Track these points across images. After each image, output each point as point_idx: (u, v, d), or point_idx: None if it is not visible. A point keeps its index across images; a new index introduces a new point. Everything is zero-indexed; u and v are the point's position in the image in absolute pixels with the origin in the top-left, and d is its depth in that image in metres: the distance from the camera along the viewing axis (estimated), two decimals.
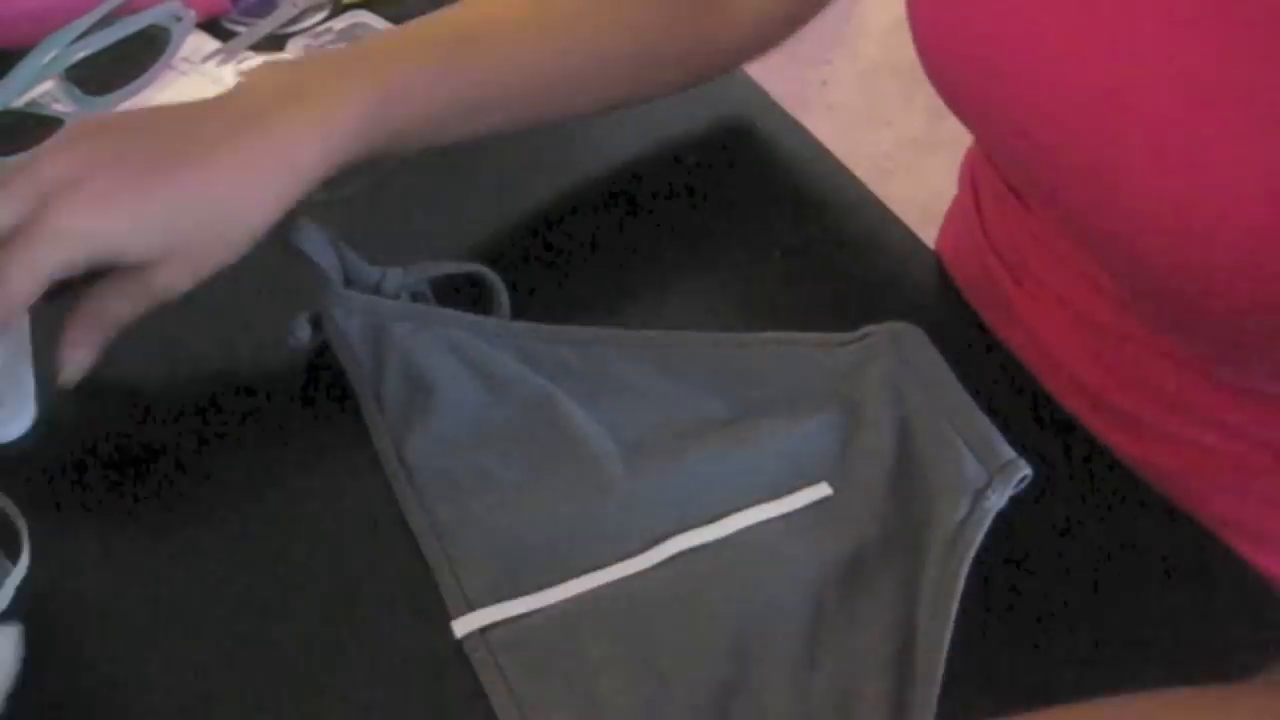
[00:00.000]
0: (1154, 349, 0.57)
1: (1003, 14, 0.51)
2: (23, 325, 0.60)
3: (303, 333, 0.58)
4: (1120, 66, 0.46)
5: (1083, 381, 0.60)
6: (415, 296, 0.60)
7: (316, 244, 0.58)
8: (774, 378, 0.58)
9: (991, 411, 0.54)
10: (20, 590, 0.50)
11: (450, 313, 0.59)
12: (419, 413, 0.55)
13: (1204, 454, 0.58)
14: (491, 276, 0.60)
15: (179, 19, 0.75)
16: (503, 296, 0.60)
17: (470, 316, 0.59)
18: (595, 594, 0.50)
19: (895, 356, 0.57)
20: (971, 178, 0.69)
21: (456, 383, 0.57)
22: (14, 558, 0.50)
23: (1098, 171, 0.48)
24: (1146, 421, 0.59)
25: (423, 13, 0.83)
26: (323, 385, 0.58)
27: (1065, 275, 0.60)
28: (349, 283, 0.59)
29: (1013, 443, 0.53)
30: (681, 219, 0.69)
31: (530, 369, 0.58)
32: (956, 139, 0.67)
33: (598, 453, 0.54)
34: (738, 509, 0.52)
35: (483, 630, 0.49)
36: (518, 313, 0.60)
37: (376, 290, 0.59)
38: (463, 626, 0.49)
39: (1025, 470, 0.52)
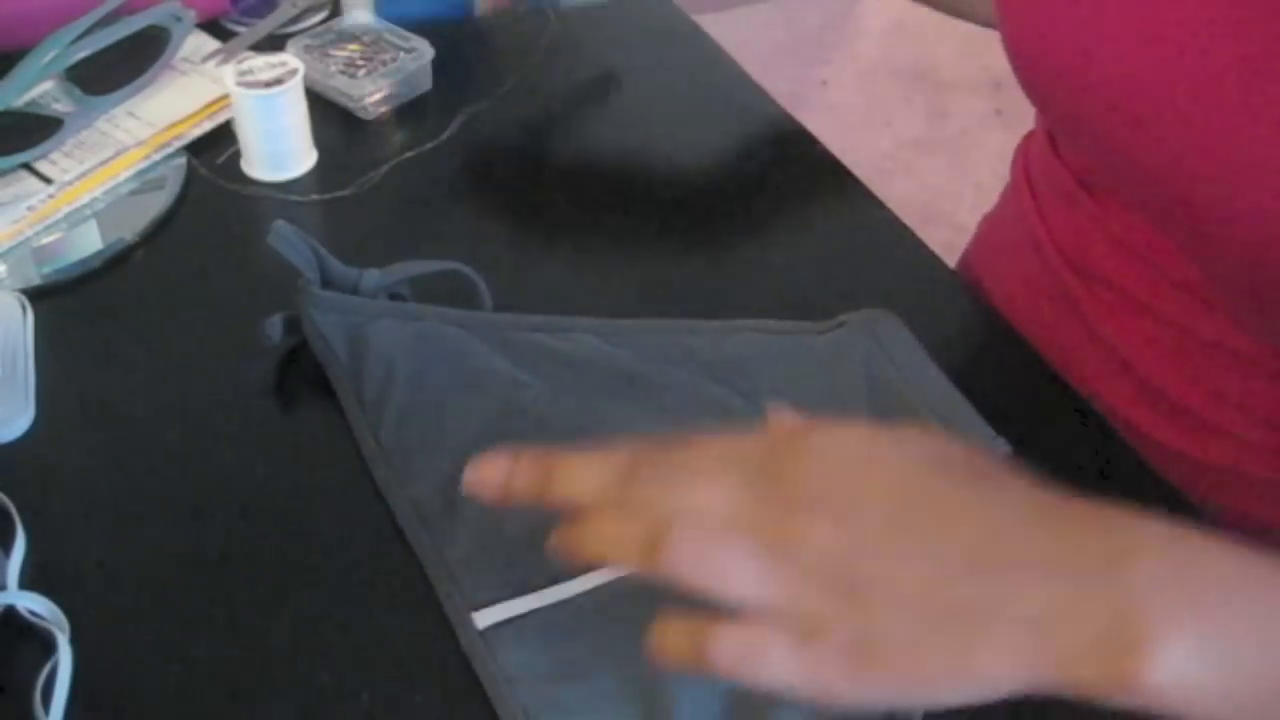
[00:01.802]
0: (1232, 352, 0.57)
1: (1110, 15, 0.50)
2: (23, 325, 0.60)
3: (274, 331, 0.58)
4: (1244, 64, 0.45)
5: (1148, 378, 0.60)
6: (394, 297, 0.61)
7: (293, 245, 0.58)
8: (753, 365, 0.58)
9: (1002, 400, 0.54)
10: (24, 564, 0.50)
11: (426, 308, 0.59)
12: (400, 409, 0.56)
13: (1267, 454, 0.57)
14: (471, 274, 0.60)
15: (179, 19, 0.75)
16: (484, 294, 0.60)
17: (448, 310, 0.59)
18: (600, 590, 0.50)
19: (871, 341, 0.57)
20: (1027, 177, 0.69)
21: (437, 378, 0.57)
22: (10, 541, 0.51)
23: (1221, 175, 0.47)
24: (1205, 417, 0.58)
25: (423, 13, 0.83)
26: (309, 384, 0.58)
27: (1142, 274, 0.59)
28: (326, 283, 0.59)
29: (1027, 434, 0.53)
30: (676, 219, 0.69)
31: (514, 362, 0.58)
32: (956, 139, 0.67)
33: (592, 445, 0.54)
34: None
35: (482, 630, 0.49)
36: (503, 310, 0.60)
37: (354, 291, 0.59)
38: (484, 619, 0.49)
39: (1005, 447, 0.52)
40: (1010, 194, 0.73)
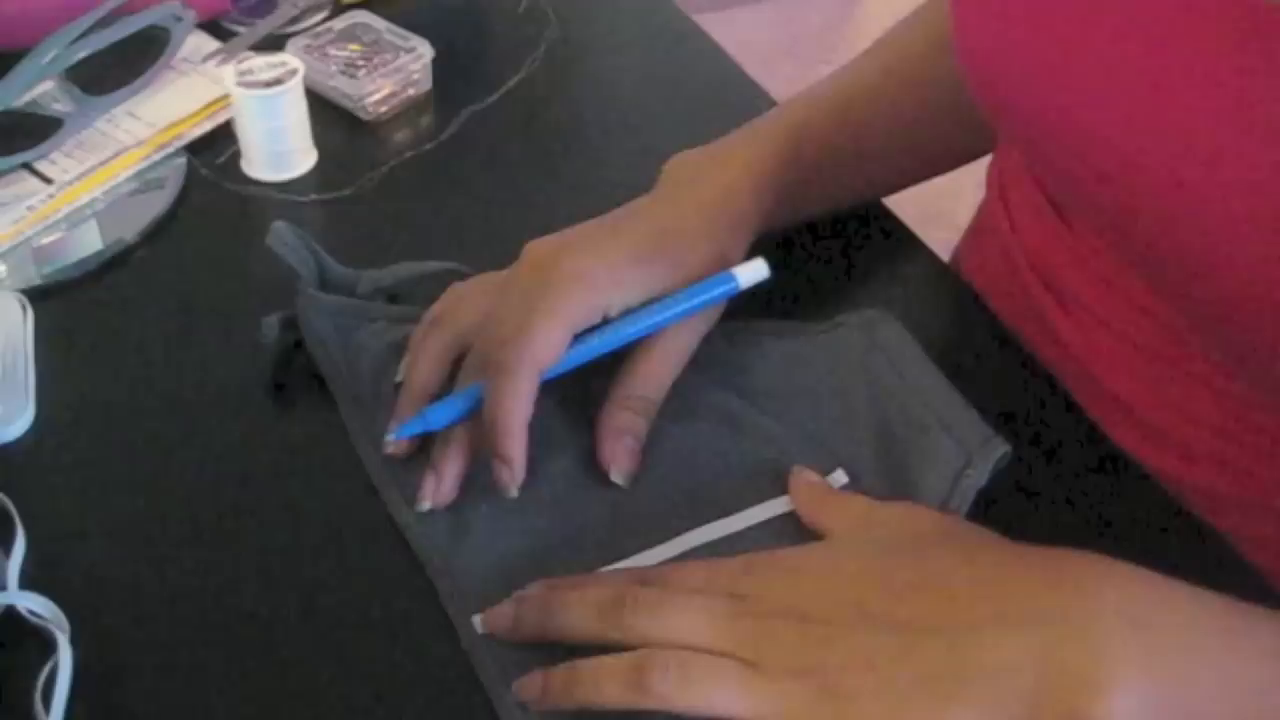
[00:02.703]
0: (1201, 377, 0.56)
1: (1067, 40, 0.49)
2: (23, 325, 0.60)
3: (270, 331, 0.58)
4: (1224, 120, 0.44)
5: (1122, 399, 0.59)
6: (392, 298, 0.61)
7: (291, 246, 0.58)
8: (753, 366, 0.58)
9: (1002, 401, 0.54)
10: (24, 564, 0.50)
11: (418, 310, 0.59)
12: (392, 410, 0.55)
13: (1242, 475, 0.57)
14: (469, 274, 0.60)
15: (179, 19, 0.75)
16: None
17: None
18: None
19: (869, 342, 0.57)
20: (1001, 191, 0.69)
21: None
22: (10, 541, 0.51)
23: (1171, 209, 0.46)
24: (1185, 441, 0.58)
25: (422, 13, 0.83)
26: (309, 384, 0.58)
27: (1111, 298, 0.59)
28: (325, 284, 0.59)
29: (1027, 434, 0.53)
30: None
31: None
32: None
33: (589, 444, 0.54)
34: (745, 500, 0.53)
35: (482, 631, 0.48)
36: None
37: (352, 291, 0.59)
38: (484, 623, 0.49)
39: (1004, 447, 0.52)
40: (985, 204, 0.72)
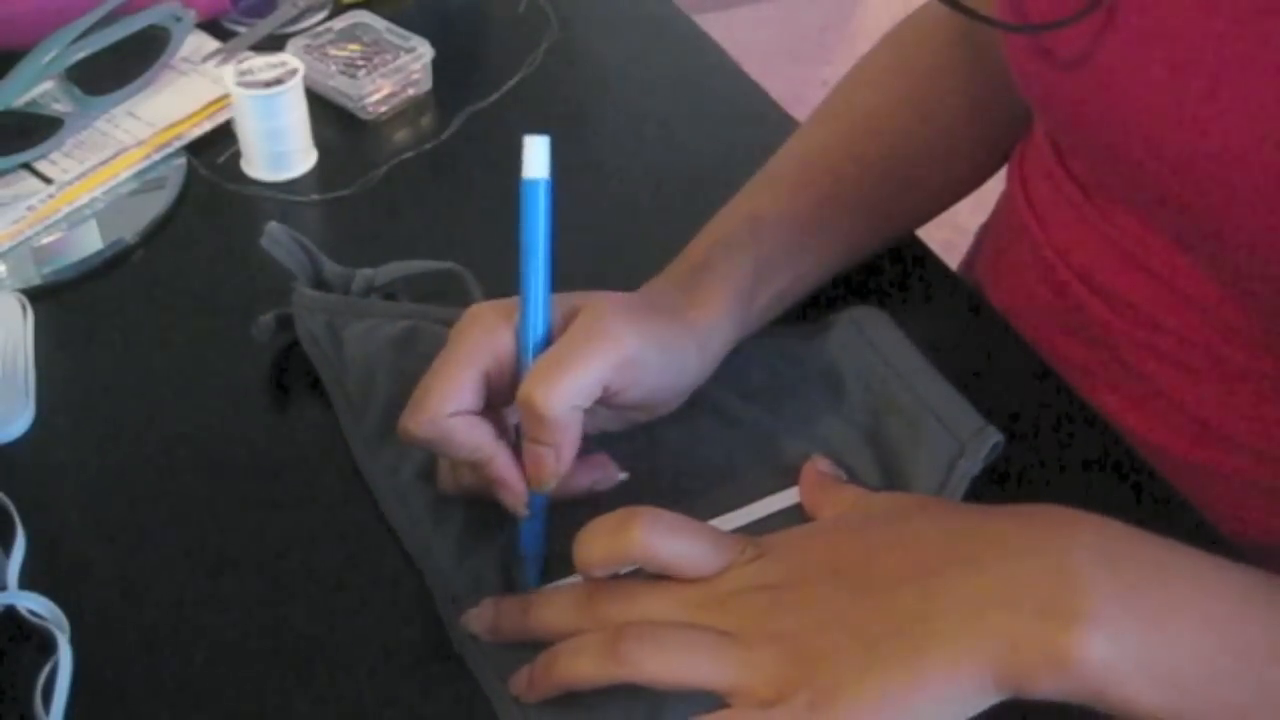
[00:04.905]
0: (1243, 365, 0.56)
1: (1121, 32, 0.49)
2: (23, 325, 0.60)
3: (265, 331, 0.58)
4: (1266, 80, 0.45)
5: (1156, 387, 0.60)
6: (389, 297, 0.61)
7: (285, 246, 0.58)
8: (749, 365, 0.58)
9: (1003, 399, 0.54)
10: (24, 564, 0.50)
11: (414, 306, 0.59)
12: (384, 407, 0.55)
13: (1277, 464, 0.57)
14: (464, 273, 0.60)
15: (179, 19, 0.75)
16: (477, 293, 0.60)
17: (436, 308, 0.59)
18: None
19: (859, 339, 0.58)
20: (1024, 188, 0.68)
21: (421, 375, 0.57)
22: (10, 541, 0.51)
23: (1238, 187, 0.47)
24: (1220, 430, 0.58)
25: (422, 13, 0.83)
26: (308, 384, 0.58)
27: (1153, 290, 0.59)
28: (321, 283, 0.59)
29: (1027, 433, 0.53)
30: (676, 220, 0.69)
31: None
32: None
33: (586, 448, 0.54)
34: (743, 498, 0.53)
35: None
36: None
37: (346, 290, 0.60)
38: (466, 625, 0.49)
39: (996, 436, 0.53)
40: (1006, 204, 0.72)
